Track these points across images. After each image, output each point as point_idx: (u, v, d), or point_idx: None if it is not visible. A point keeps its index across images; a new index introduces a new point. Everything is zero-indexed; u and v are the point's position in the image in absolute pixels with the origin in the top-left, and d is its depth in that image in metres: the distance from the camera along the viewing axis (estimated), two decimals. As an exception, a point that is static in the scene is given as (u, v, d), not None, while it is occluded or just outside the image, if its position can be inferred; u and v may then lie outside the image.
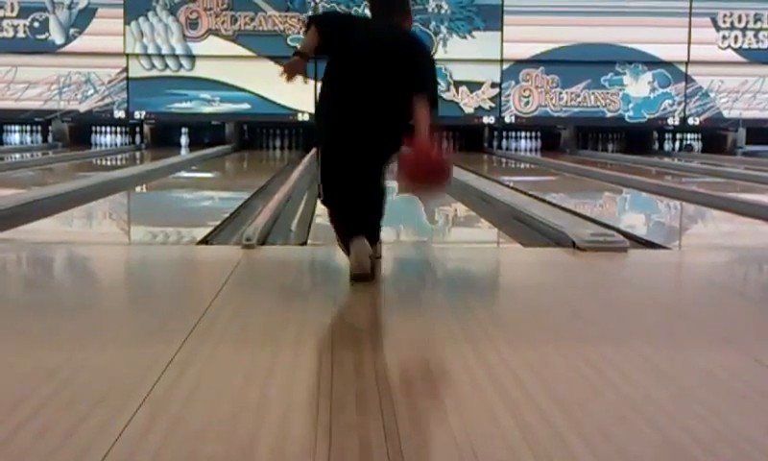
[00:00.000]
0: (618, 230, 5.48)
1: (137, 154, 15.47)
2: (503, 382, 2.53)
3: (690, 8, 16.55)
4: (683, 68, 16.77)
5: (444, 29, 16.42)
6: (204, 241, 5.41)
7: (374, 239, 4.31)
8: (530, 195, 8.14)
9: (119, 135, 16.89)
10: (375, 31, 4.33)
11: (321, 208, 7.82)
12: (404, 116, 4.09)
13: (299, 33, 16.26)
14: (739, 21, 16.72)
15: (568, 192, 9.69)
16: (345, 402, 2.34)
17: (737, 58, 16.79)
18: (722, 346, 3.02)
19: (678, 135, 17.59)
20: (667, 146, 17.51)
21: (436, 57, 16.36)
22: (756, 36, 16.78)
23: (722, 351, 2.95)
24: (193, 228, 6.35)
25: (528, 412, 2.28)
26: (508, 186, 9.44)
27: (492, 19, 16.37)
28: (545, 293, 3.97)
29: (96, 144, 16.69)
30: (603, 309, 3.63)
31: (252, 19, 16.28)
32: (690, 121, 16.94)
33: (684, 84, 16.83)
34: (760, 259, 5.29)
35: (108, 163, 13.68)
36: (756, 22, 16.75)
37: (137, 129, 16.77)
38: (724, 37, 16.73)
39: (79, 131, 16.54)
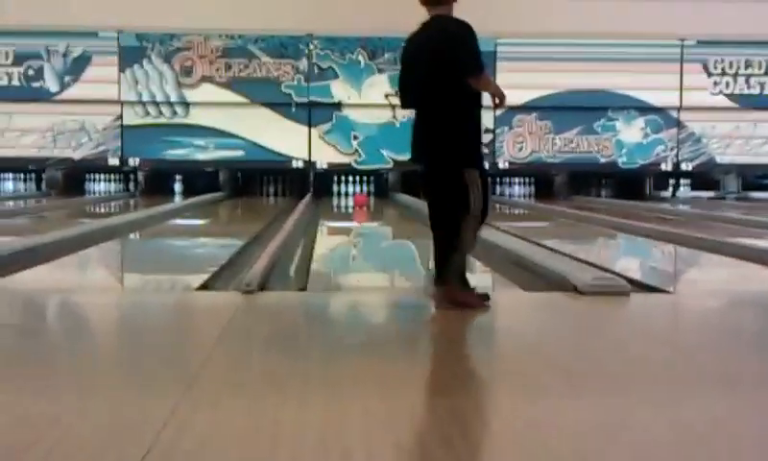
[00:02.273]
0: (618, 275, 5.46)
1: (131, 201, 15.44)
2: (518, 430, 2.48)
3: (682, 54, 16.67)
4: (675, 114, 16.86)
5: (437, 75, 16.48)
6: (203, 287, 5.37)
7: None
8: (527, 240, 8.11)
9: (113, 183, 16.88)
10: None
11: (319, 253, 7.85)
12: None
13: (292, 80, 16.33)
14: (730, 67, 16.84)
15: (565, 237, 9.67)
16: (353, 452, 2.29)
17: (729, 103, 16.89)
18: (729, 391, 2.99)
19: (671, 180, 17.66)
20: (665, 192, 17.56)
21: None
22: (747, 81, 16.89)
23: (729, 397, 2.91)
24: (190, 274, 6.30)
25: None
26: (504, 232, 9.41)
27: (486, 65, 16.41)
28: (551, 337, 3.93)
29: (90, 192, 16.67)
30: (610, 354, 3.59)
31: (247, 66, 16.34)
32: (683, 166, 17.00)
33: (676, 129, 16.91)
34: (759, 303, 5.27)
35: (102, 211, 13.64)
36: (746, 68, 16.88)
37: (131, 176, 16.76)
38: (715, 83, 16.84)
39: (72, 178, 16.52)
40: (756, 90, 16.92)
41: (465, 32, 4.35)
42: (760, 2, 15.53)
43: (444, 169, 4.37)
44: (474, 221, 4.35)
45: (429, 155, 4.44)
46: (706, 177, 17.53)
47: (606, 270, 5.80)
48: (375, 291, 5.97)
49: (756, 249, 7.27)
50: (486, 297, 4.46)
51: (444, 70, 4.31)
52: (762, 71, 16.88)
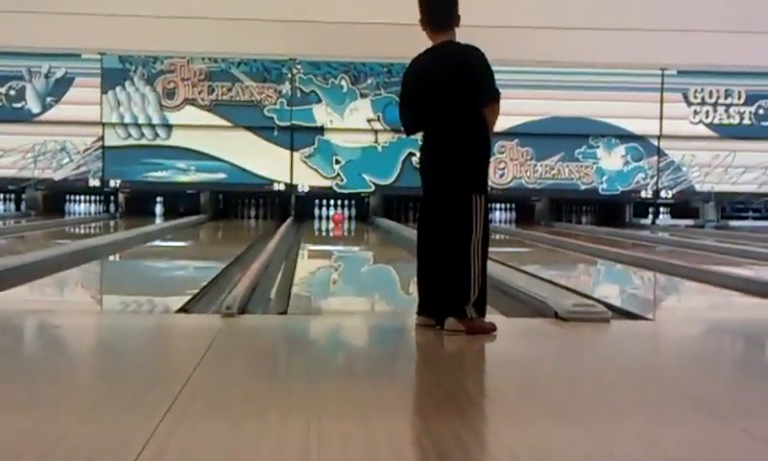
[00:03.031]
0: (598, 301, 5.48)
1: (111, 222, 15.39)
2: (498, 456, 2.49)
3: (662, 83, 16.82)
4: (655, 142, 16.98)
5: (419, 101, 16.54)
6: (183, 310, 5.35)
7: None
8: (508, 266, 8.13)
9: (93, 204, 16.83)
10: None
11: (300, 277, 7.84)
12: None
13: (275, 103, 16.36)
14: (710, 96, 16.99)
15: (545, 263, 9.71)
16: (334, 475, 2.29)
17: (709, 132, 17.03)
18: (709, 416, 3.00)
19: (650, 209, 17.78)
20: (644, 220, 17.67)
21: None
22: (726, 111, 17.05)
23: (709, 422, 2.93)
24: (170, 297, 6.27)
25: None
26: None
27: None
28: (532, 364, 3.94)
29: (70, 213, 16.60)
30: (591, 381, 3.60)
31: (230, 90, 16.37)
32: (663, 194, 17.11)
33: (656, 157, 17.03)
34: (738, 330, 5.30)
35: (82, 232, 13.58)
36: (726, 98, 17.04)
37: (112, 197, 16.72)
38: (695, 112, 16.99)
39: (53, 199, 16.46)
40: (736, 120, 17.08)
41: (482, 60, 4.43)
42: (740, 33, 15.70)
43: (453, 193, 4.40)
44: (479, 246, 4.37)
45: (438, 177, 4.47)
46: (685, 205, 17.67)
47: (586, 296, 5.82)
48: (356, 315, 5.96)
49: (735, 276, 7.32)
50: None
51: (461, 97, 4.39)
52: (741, 101, 17.04)
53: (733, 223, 17.06)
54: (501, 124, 15.96)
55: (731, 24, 15.62)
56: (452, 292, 4.37)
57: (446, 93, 4.41)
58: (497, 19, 14.30)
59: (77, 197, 16.76)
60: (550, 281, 6.92)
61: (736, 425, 2.87)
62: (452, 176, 4.42)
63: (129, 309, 6.09)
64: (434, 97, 4.45)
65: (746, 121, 17.10)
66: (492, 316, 5.80)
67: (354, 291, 7.58)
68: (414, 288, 7.73)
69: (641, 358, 4.22)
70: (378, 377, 3.63)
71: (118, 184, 16.28)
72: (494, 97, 4.44)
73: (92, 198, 16.80)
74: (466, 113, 4.39)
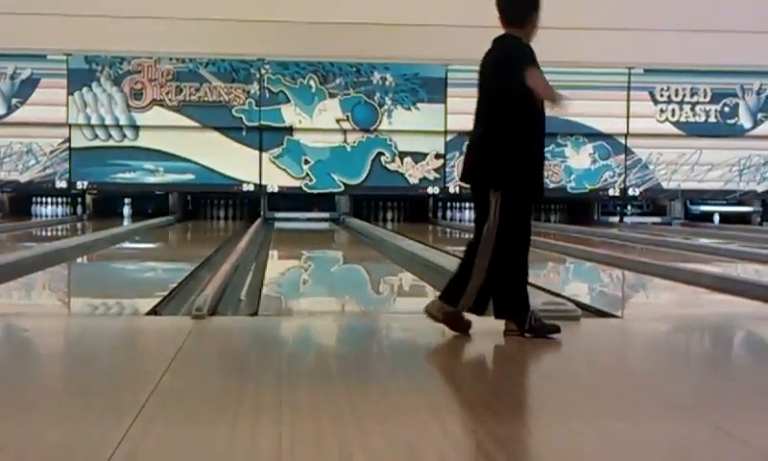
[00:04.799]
0: (568, 299, 5.51)
1: (79, 224, 15.26)
2: (473, 457, 2.49)
3: (629, 82, 16.93)
4: (622, 140, 17.10)
5: (388, 101, 16.57)
6: (153, 312, 5.31)
7: None
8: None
9: (60, 206, 16.69)
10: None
11: (270, 278, 7.81)
12: None
13: (243, 104, 16.30)
14: (676, 95, 17.14)
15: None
16: (307, 477, 2.28)
17: (675, 131, 17.18)
18: (681, 414, 3.02)
19: (618, 206, 17.92)
20: (612, 218, 17.80)
21: (381, 128, 16.53)
22: (692, 109, 17.20)
23: (682, 420, 2.95)
24: (139, 299, 6.24)
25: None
26: (455, 256, 9.45)
27: (436, 92, 16.58)
28: (502, 364, 3.95)
29: (36, 215, 16.45)
30: (561, 380, 3.62)
31: (198, 90, 16.28)
32: (630, 192, 17.23)
33: (624, 156, 17.15)
34: (706, 327, 5.35)
35: (49, 234, 13.46)
36: (692, 96, 17.19)
37: (79, 199, 16.59)
38: (662, 111, 17.13)
39: (19, 201, 16.30)
40: (702, 118, 17.23)
41: (520, 44, 4.34)
42: (705, 32, 15.84)
43: (475, 185, 4.37)
44: (486, 247, 4.24)
45: (464, 169, 4.46)
46: (652, 202, 17.82)
47: (556, 294, 5.84)
48: (327, 315, 5.96)
49: (701, 273, 7.39)
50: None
51: (491, 87, 4.34)
52: (707, 99, 17.20)
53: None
54: (470, 123, 15.77)
55: (697, 23, 15.75)
56: (453, 283, 4.36)
57: (481, 85, 4.40)
58: (467, 19, 14.33)
59: (43, 199, 16.61)
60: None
61: (709, 422, 2.89)
62: (472, 168, 4.38)
63: (97, 312, 6.04)
64: (478, 89, 4.43)
65: (712, 119, 17.26)
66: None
67: (325, 291, 7.57)
68: (383, 288, 7.77)
69: (610, 356, 4.25)
70: (350, 379, 3.62)
71: (85, 186, 16.15)
72: (523, 67, 4.24)
73: (59, 200, 16.66)
74: (495, 105, 4.30)
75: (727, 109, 17.26)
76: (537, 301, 5.01)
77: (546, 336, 4.21)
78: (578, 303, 5.39)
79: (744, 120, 17.31)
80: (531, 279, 7.03)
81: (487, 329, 4.71)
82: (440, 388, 3.47)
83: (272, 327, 4.97)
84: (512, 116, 4.25)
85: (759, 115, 17.31)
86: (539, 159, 4.39)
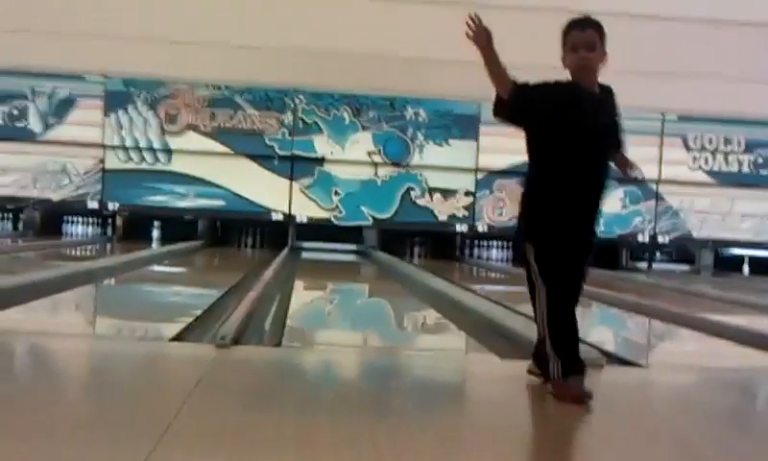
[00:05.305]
0: (592, 346, 5.47)
1: (108, 245, 15.37)
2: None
3: (662, 128, 16.89)
4: (654, 186, 17.03)
5: (420, 136, 16.62)
6: (177, 338, 5.34)
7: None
8: (504, 306, 8.13)
9: (90, 226, 16.82)
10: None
11: (294, 309, 7.82)
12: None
13: (276, 132, 16.41)
14: (710, 143, 17.07)
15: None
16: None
17: (707, 179, 17.09)
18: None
19: (647, 252, 17.81)
20: (640, 264, 17.69)
21: (412, 163, 16.57)
22: (725, 158, 17.12)
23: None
24: (164, 323, 6.27)
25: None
26: (482, 296, 9.44)
27: (469, 129, 16.60)
28: (522, 409, 3.93)
29: (67, 234, 16.59)
30: (585, 430, 3.59)
31: (232, 117, 16.41)
32: (660, 239, 17.14)
33: (654, 202, 17.07)
34: (730, 381, 5.29)
35: (79, 254, 13.57)
36: (726, 145, 17.11)
37: (109, 220, 16.72)
38: (694, 159, 17.06)
39: (51, 220, 16.45)
40: (735, 168, 17.14)
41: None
42: (741, 82, 15.78)
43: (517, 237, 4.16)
44: (541, 301, 4.04)
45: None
46: (682, 250, 17.70)
47: (581, 341, 5.80)
48: (350, 349, 5.96)
49: (729, 326, 7.31)
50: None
51: (609, 139, 4.16)
52: (741, 149, 17.11)
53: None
54: (501, 162, 15.69)
55: (732, 72, 15.70)
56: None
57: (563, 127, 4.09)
58: (502, 58, 14.39)
59: (74, 218, 16.75)
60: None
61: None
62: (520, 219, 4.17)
63: (122, 335, 6.08)
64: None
65: (745, 169, 17.17)
66: (486, 357, 5.81)
67: (348, 325, 7.57)
68: (406, 324, 7.76)
69: (633, 407, 4.21)
70: (371, 415, 3.61)
71: (117, 207, 16.28)
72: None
73: (90, 220, 16.79)
74: (534, 153, 4.11)
75: (760, 159, 17.16)
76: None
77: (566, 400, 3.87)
78: (602, 351, 5.35)
79: (770, 171, 17.20)
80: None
81: (507, 373, 4.69)
82: (460, 429, 3.46)
83: (294, 360, 4.98)
84: (543, 169, 4.03)
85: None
86: (573, 209, 3.99)
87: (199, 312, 6.53)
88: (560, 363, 3.92)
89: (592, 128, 3.97)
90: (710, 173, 17.09)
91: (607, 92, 4.11)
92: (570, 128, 3.93)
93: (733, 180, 17.14)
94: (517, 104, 3.94)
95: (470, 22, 3.83)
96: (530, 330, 5.81)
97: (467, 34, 3.84)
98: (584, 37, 3.93)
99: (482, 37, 3.83)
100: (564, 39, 4.00)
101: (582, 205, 4.02)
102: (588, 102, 3.96)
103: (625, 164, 4.22)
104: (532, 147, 4.09)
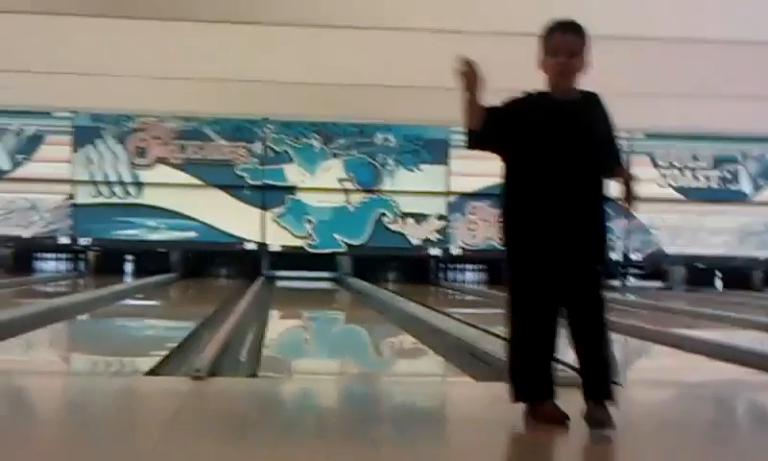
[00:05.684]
0: (568, 365, 5.48)
1: (81, 281, 15.26)
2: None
3: (630, 146, 17.04)
4: (624, 204, 17.10)
5: (391, 162, 16.67)
6: (152, 371, 5.30)
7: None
8: (479, 328, 8.14)
9: (62, 262, 16.70)
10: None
11: (270, 338, 7.80)
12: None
13: (247, 162, 16.40)
14: (678, 160, 17.23)
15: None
16: None
17: (676, 195, 17.24)
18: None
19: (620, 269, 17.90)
20: (614, 282, 17.78)
21: (383, 188, 16.60)
22: (693, 174, 17.29)
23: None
24: (139, 358, 6.22)
25: None
26: (456, 319, 9.44)
27: (439, 153, 16.67)
28: (503, 431, 3.93)
29: (38, 270, 16.45)
30: (563, 449, 3.59)
31: (201, 148, 16.39)
32: (633, 256, 17.24)
33: (625, 220, 17.18)
34: (705, 395, 5.32)
35: (51, 290, 13.46)
36: (693, 161, 17.29)
37: (81, 255, 16.60)
38: (663, 176, 17.21)
39: (21, 257, 16.31)
40: (703, 184, 17.31)
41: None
42: (706, 98, 15.95)
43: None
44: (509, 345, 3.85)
45: None
46: (654, 267, 17.82)
47: (556, 360, 5.81)
48: (326, 377, 5.94)
49: (703, 340, 7.36)
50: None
51: (595, 150, 3.81)
52: (709, 165, 17.29)
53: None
54: (473, 184, 15.78)
55: (697, 88, 15.87)
56: None
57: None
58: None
59: (46, 255, 16.63)
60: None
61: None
62: None
63: (97, 370, 6.03)
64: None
65: (713, 184, 17.34)
66: (462, 379, 5.81)
67: (325, 353, 7.55)
68: (383, 350, 7.74)
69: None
70: (349, 444, 3.60)
71: (88, 242, 16.18)
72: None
73: (61, 256, 16.67)
74: (503, 172, 3.90)
75: (728, 174, 17.35)
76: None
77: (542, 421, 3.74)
78: (577, 370, 5.36)
79: (745, 186, 17.38)
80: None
81: (481, 395, 4.70)
82: (438, 453, 3.45)
83: (271, 390, 4.96)
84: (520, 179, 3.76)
85: (760, 181, 17.39)
86: (541, 228, 3.69)
87: (174, 345, 6.50)
88: (512, 387, 3.79)
89: (562, 140, 3.64)
90: (679, 189, 17.26)
91: (591, 101, 3.75)
92: (534, 142, 3.66)
93: (702, 195, 17.31)
94: (484, 130, 3.71)
95: (464, 65, 3.64)
96: (502, 352, 5.83)
97: (457, 70, 3.65)
98: (566, 42, 3.63)
99: (471, 83, 3.65)
100: (543, 42, 3.69)
101: (553, 223, 3.66)
102: (558, 113, 3.66)
103: (626, 187, 3.81)
104: (503, 166, 3.87)
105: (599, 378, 3.75)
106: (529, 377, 3.80)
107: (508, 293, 3.83)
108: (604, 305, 3.77)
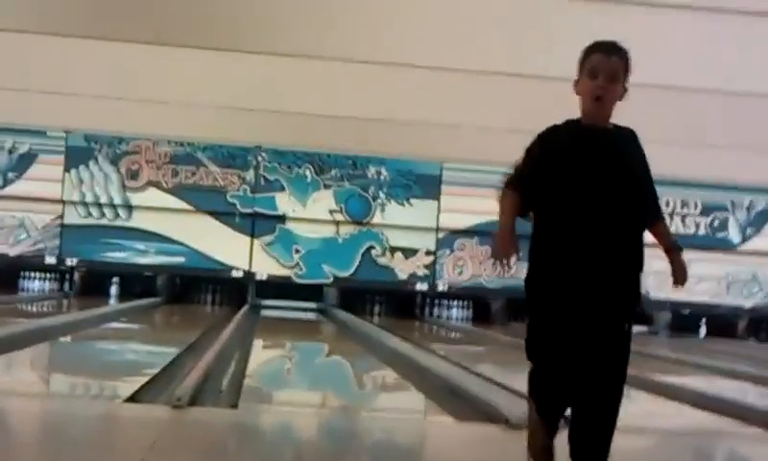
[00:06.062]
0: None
1: (65, 301, 15.19)
2: None
3: (620, 190, 17.11)
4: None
5: (382, 195, 16.70)
6: (132, 398, 5.28)
7: None
8: (462, 366, 8.14)
9: (48, 282, 16.62)
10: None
11: (252, 368, 7.77)
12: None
13: (238, 189, 16.40)
14: (667, 205, 17.30)
15: (500, 364, 9.72)
16: None
17: (665, 241, 17.28)
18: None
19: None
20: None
21: (373, 221, 16.62)
22: (683, 220, 17.36)
23: None
24: (120, 382, 6.20)
25: None
26: (440, 356, 9.44)
27: (430, 188, 16.71)
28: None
29: (24, 289, 16.36)
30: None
31: (194, 173, 16.39)
32: (618, 300, 17.24)
33: (612, 263, 17.21)
34: (688, 444, 5.33)
35: (35, 310, 13.40)
36: (682, 207, 17.37)
37: (67, 276, 16.53)
38: (652, 221, 17.27)
39: (7, 274, 16.23)
40: (692, 230, 17.38)
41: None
42: (697, 146, 16.06)
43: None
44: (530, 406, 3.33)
45: None
46: (639, 312, 17.81)
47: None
48: (307, 410, 5.93)
49: (686, 388, 7.38)
50: None
51: (627, 191, 3.32)
52: (697, 212, 17.38)
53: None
54: (462, 221, 15.82)
55: (688, 137, 15.99)
56: None
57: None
58: (463, 119, 14.51)
59: (31, 274, 16.55)
60: (503, 385, 6.91)
61: None
62: None
63: (76, 394, 6.01)
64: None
65: (701, 231, 17.41)
66: (441, 419, 5.81)
67: (307, 385, 7.54)
68: (365, 384, 7.73)
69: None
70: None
71: (75, 263, 16.13)
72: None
73: (47, 275, 16.60)
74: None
75: (717, 222, 17.43)
76: (518, 408, 5.00)
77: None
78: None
79: (733, 234, 17.47)
80: (516, 384, 6.98)
81: (461, 435, 4.70)
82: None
83: (251, 421, 4.94)
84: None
85: (748, 230, 17.48)
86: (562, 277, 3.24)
87: (155, 371, 6.47)
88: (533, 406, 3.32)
89: (594, 172, 3.18)
90: (667, 235, 17.29)
91: (627, 136, 3.30)
92: (561, 176, 3.19)
93: (690, 242, 17.35)
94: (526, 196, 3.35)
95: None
96: (487, 392, 5.84)
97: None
98: (607, 64, 3.22)
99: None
100: (581, 64, 3.28)
101: (582, 270, 3.20)
102: (590, 141, 3.22)
103: (672, 258, 3.41)
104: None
105: (595, 453, 3.35)
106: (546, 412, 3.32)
107: (526, 335, 3.41)
108: (623, 384, 3.38)
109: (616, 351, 3.30)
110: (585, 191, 3.17)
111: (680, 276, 3.37)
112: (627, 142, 3.29)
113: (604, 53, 3.25)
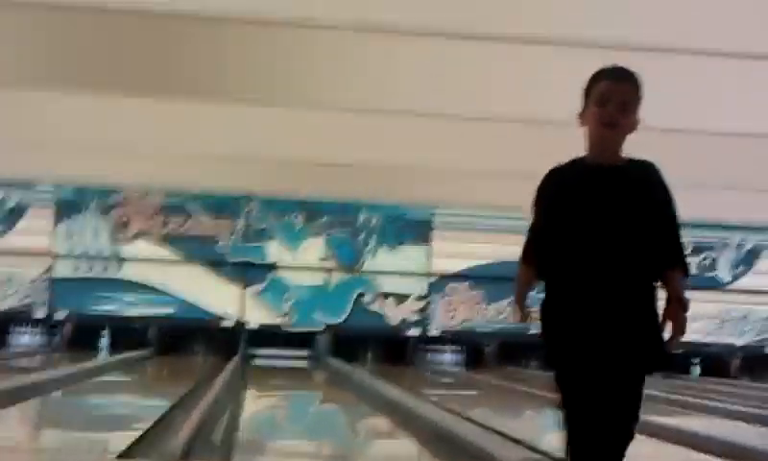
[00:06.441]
0: (544, 454, 5.44)
1: (55, 356, 15.07)
2: None
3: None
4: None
5: (373, 241, 16.69)
6: (125, 454, 5.21)
7: None
8: (455, 413, 8.09)
9: (37, 336, 16.48)
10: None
11: (246, 419, 7.70)
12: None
13: (228, 239, 16.38)
14: (657, 246, 17.35)
15: (494, 409, 9.67)
16: None
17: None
18: None
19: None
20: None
21: (364, 268, 16.59)
22: (676, 261, 17.40)
23: None
24: (112, 437, 6.14)
25: None
26: (432, 402, 9.39)
27: (421, 233, 16.72)
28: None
29: (12, 345, 16.21)
30: None
31: (183, 223, 16.37)
32: (611, 341, 17.22)
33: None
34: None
35: (24, 365, 13.28)
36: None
37: (56, 330, 16.40)
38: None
39: (-4, 330, 16.11)
40: (693, 271, 17.40)
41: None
42: (688, 187, 16.11)
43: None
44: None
45: None
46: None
47: (533, 449, 5.78)
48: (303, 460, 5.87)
49: (677, 429, 7.34)
50: None
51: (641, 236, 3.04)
52: (688, 251, 17.35)
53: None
54: (453, 266, 15.84)
55: (680, 178, 16.05)
56: None
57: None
58: (454, 163, 14.55)
59: (21, 328, 16.41)
60: (497, 430, 6.87)
61: None
62: None
63: (67, 450, 5.93)
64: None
65: (693, 271, 17.43)
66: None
67: (300, 435, 7.48)
68: (360, 432, 7.67)
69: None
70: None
71: (64, 317, 16.03)
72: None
73: (36, 330, 16.46)
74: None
75: (707, 261, 17.47)
76: (513, 454, 4.97)
77: None
78: (551, 456, 5.33)
79: (723, 273, 17.50)
80: (510, 429, 6.96)
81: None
82: None
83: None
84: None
85: (739, 269, 17.51)
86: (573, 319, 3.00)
87: (147, 425, 6.40)
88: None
89: (597, 221, 2.90)
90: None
91: (644, 171, 2.97)
92: (566, 218, 2.93)
93: (681, 281, 17.36)
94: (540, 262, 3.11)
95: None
96: (480, 438, 5.80)
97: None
98: (617, 91, 2.88)
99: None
100: (587, 90, 2.96)
101: (591, 322, 2.94)
102: (597, 178, 2.92)
103: (675, 309, 3.07)
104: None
105: None
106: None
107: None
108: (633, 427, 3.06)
109: (631, 396, 3.02)
110: (588, 240, 2.90)
111: (676, 330, 3.03)
112: (641, 180, 2.94)
113: (614, 79, 2.92)
